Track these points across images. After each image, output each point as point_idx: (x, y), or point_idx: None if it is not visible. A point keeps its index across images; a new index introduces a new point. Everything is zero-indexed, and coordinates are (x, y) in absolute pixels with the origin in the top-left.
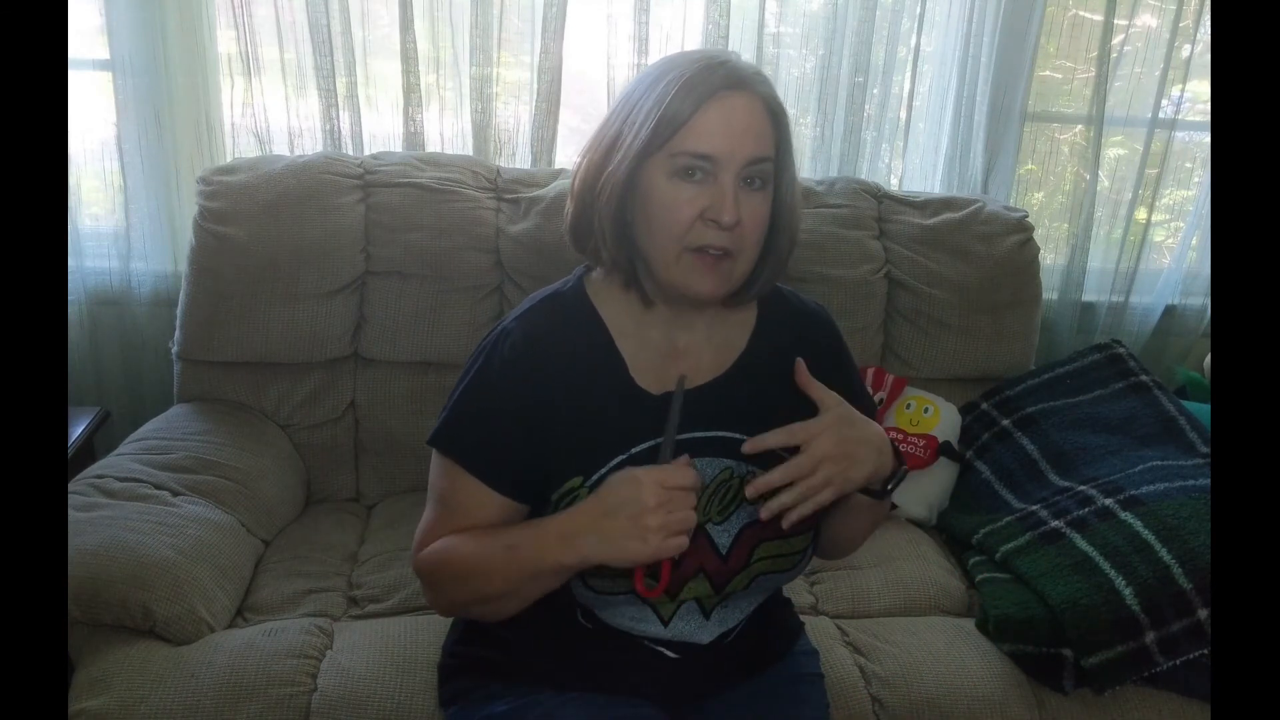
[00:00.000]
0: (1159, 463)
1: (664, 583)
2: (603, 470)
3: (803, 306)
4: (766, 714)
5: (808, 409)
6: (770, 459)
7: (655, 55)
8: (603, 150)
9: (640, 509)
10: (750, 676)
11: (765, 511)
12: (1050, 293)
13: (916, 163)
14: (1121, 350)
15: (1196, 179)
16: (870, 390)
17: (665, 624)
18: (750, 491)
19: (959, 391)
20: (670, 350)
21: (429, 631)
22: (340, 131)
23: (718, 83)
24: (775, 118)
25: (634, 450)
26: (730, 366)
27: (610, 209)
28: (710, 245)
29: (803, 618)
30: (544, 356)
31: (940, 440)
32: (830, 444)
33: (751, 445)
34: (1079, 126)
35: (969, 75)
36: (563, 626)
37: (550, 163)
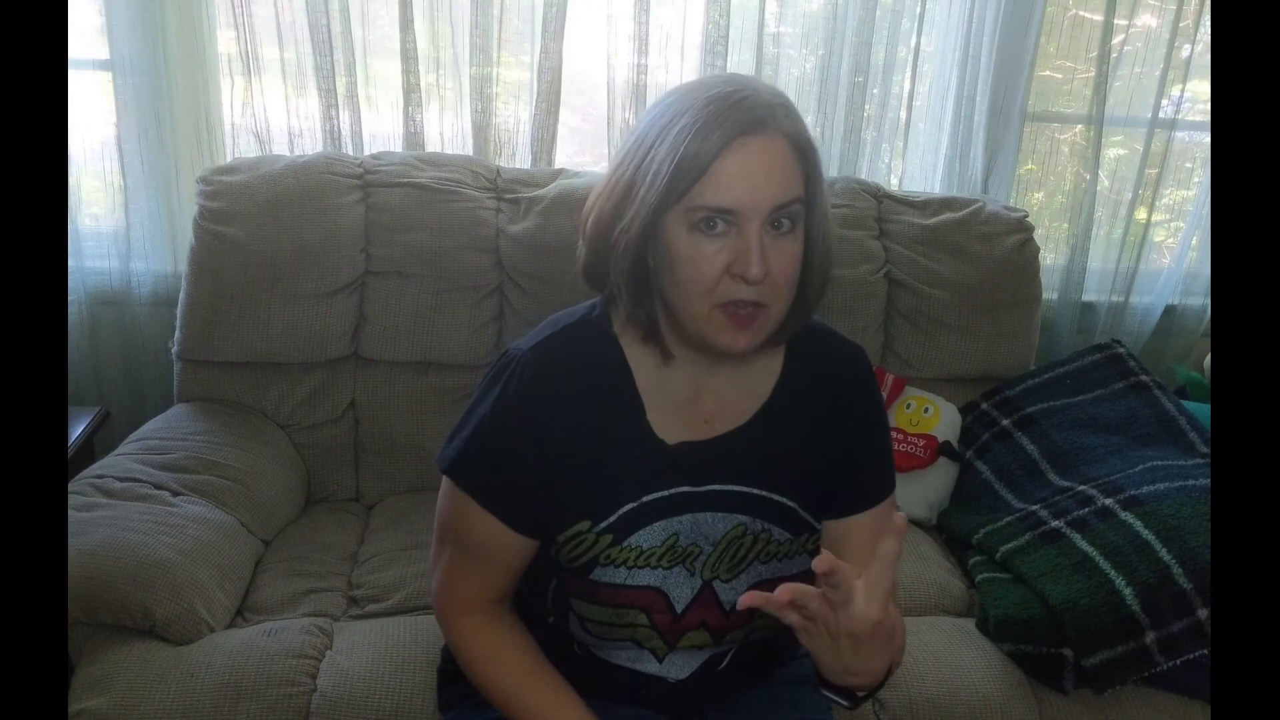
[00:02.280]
0: (1159, 462)
1: None
2: (612, 518)
3: (833, 349)
4: (767, 716)
5: (830, 462)
6: (791, 520)
7: (655, 55)
8: (616, 197)
9: None
10: (752, 684)
11: (747, 600)
12: (1050, 292)
13: (916, 163)
14: (1121, 350)
15: (1196, 179)
16: None
17: (660, 661)
18: (781, 595)
19: (959, 391)
20: (693, 396)
21: (429, 631)
22: (340, 131)
23: (736, 127)
24: (802, 153)
25: (645, 499)
26: (753, 415)
27: (627, 263)
28: (739, 300)
29: None
30: (560, 392)
31: (940, 440)
32: (862, 625)
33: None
34: (1079, 126)
35: (969, 75)
36: (560, 652)
37: (550, 163)
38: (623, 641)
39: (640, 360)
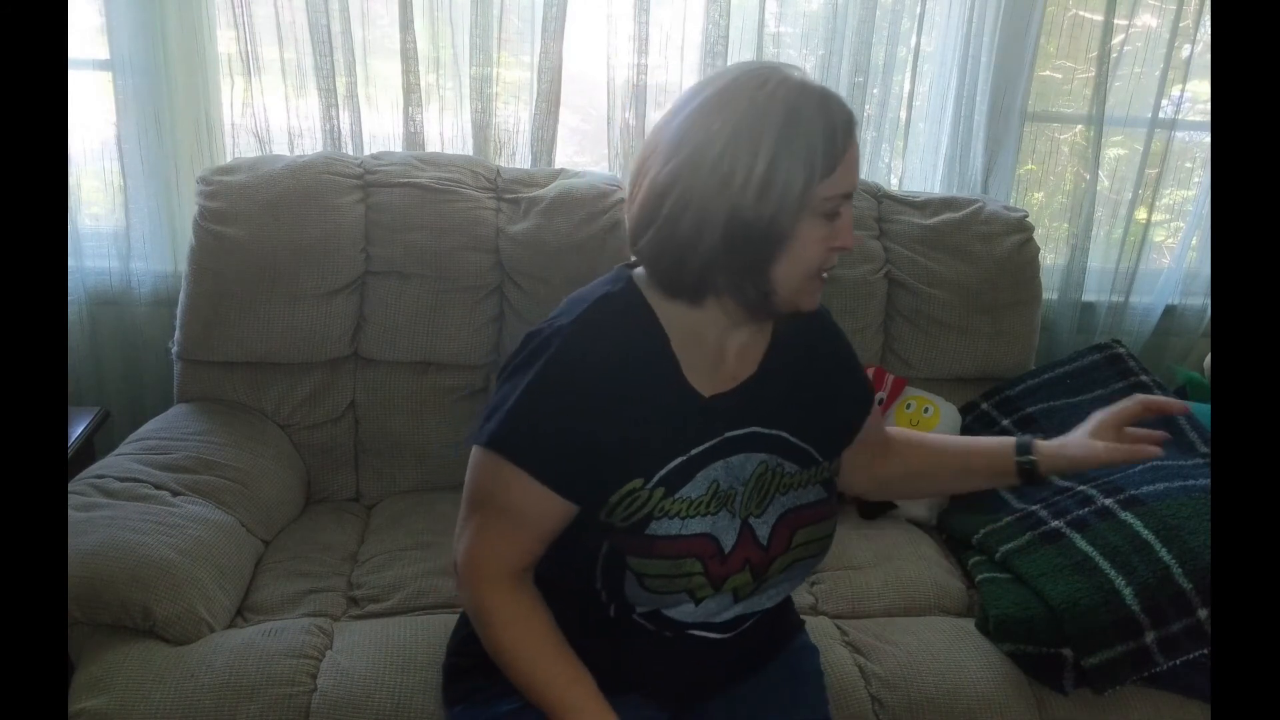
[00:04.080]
0: (1159, 462)
1: None
2: (663, 471)
3: None
4: (766, 713)
5: (819, 399)
6: (799, 454)
7: (655, 55)
8: (710, 189)
9: None
10: (753, 672)
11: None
12: (1050, 292)
13: (916, 162)
14: (1121, 350)
15: (1196, 179)
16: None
17: (696, 604)
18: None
19: (959, 391)
20: (717, 354)
21: (428, 631)
22: (340, 131)
23: (849, 126)
24: None
25: (693, 452)
26: (758, 366)
27: (750, 250)
28: (831, 267)
29: (803, 617)
30: (603, 359)
31: None
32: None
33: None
34: (1079, 126)
35: (969, 75)
36: (581, 616)
37: (550, 163)
38: (677, 594)
39: (673, 321)
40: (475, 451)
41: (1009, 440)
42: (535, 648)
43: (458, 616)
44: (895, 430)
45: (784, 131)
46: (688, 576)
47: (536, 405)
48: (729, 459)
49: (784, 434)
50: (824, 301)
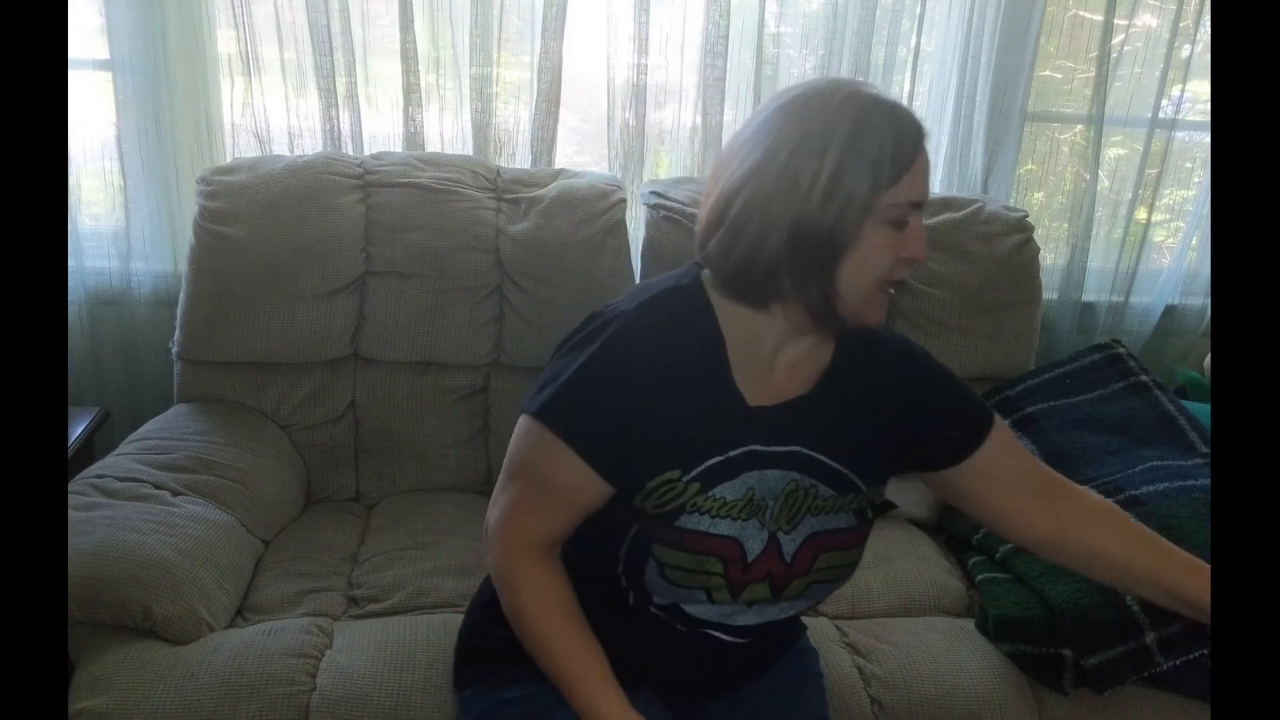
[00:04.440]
0: (1159, 463)
1: None
2: (700, 468)
3: (879, 333)
4: (768, 714)
5: (873, 431)
6: (837, 479)
7: (655, 55)
8: (779, 192)
9: None
10: (755, 675)
11: None
12: (1050, 292)
13: None
14: (1121, 350)
15: (1196, 179)
16: None
17: (713, 603)
18: None
19: None
20: (770, 366)
21: (428, 631)
22: (340, 131)
23: (919, 135)
24: None
25: (732, 453)
26: (813, 386)
27: (817, 256)
28: (899, 280)
29: (803, 618)
30: (657, 350)
31: None
32: None
33: None
34: (1079, 126)
35: (969, 75)
36: (600, 601)
37: (550, 163)
38: (694, 589)
39: (729, 325)
40: (523, 420)
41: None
42: (557, 620)
43: (469, 603)
44: (1091, 496)
45: (852, 137)
46: (707, 575)
47: (589, 383)
48: (764, 471)
49: (823, 458)
50: None
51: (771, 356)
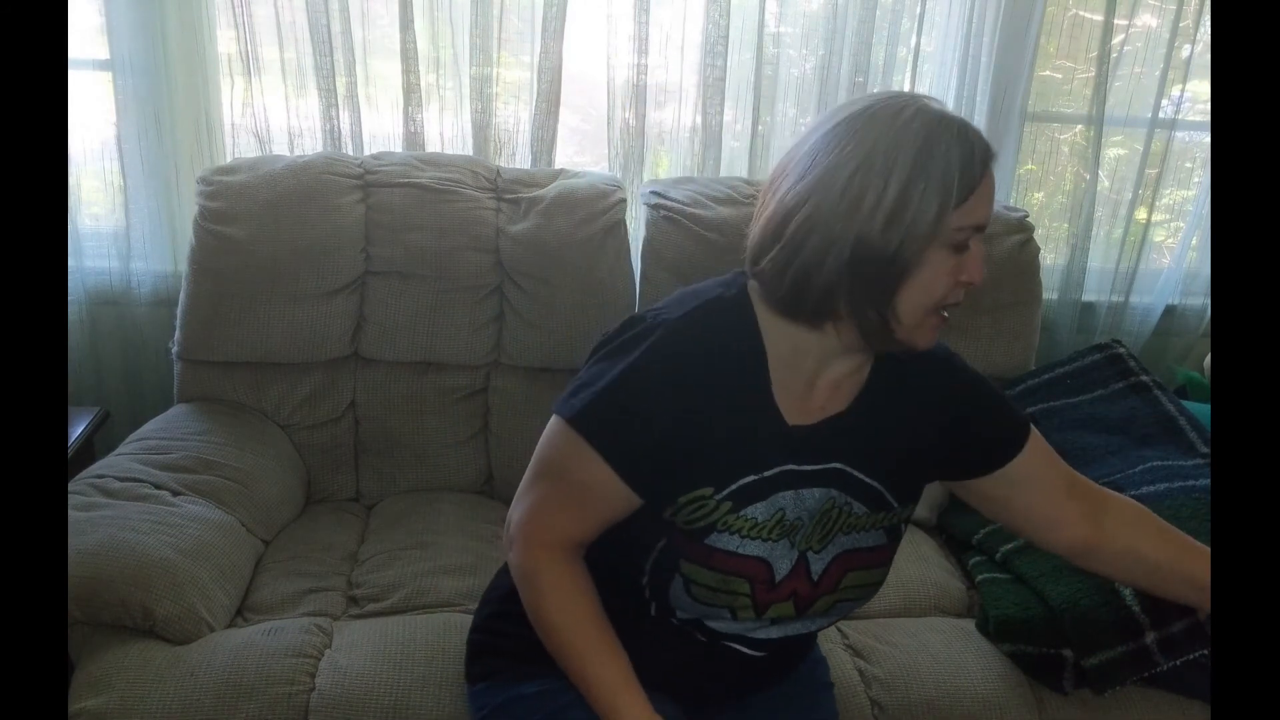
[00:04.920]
0: (1159, 463)
1: None
2: (733, 486)
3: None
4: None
5: (911, 449)
6: (872, 497)
7: (655, 55)
8: (880, 219)
9: None
10: (770, 685)
11: None
12: (1050, 293)
13: None
14: (1121, 350)
15: (1196, 179)
16: None
17: (736, 619)
18: None
19: None
20: (812, 383)
21: (428, 631)
22: (340, 131)
23: (988, 156)
24: None
25: (766, 473)
26: (851, 402)
27: (879, 278)
28: (955, 304)
29: None
30: (700, 362)
31: None
32: None
33: None
34: (1079, 126)
35: (969, 75)
36: (621, 608)
37: (550, 163)
38: (719, 608)
39: (773, 339)
40: (555, 422)
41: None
42: (579, 619)
43: (481, 596)
44: (1119, 497)
45: (919, 158)
46: (733, 594)
47: (627, 393)
48: (800, 490)
49: (861, 475)
50: None
51: (814, 374)
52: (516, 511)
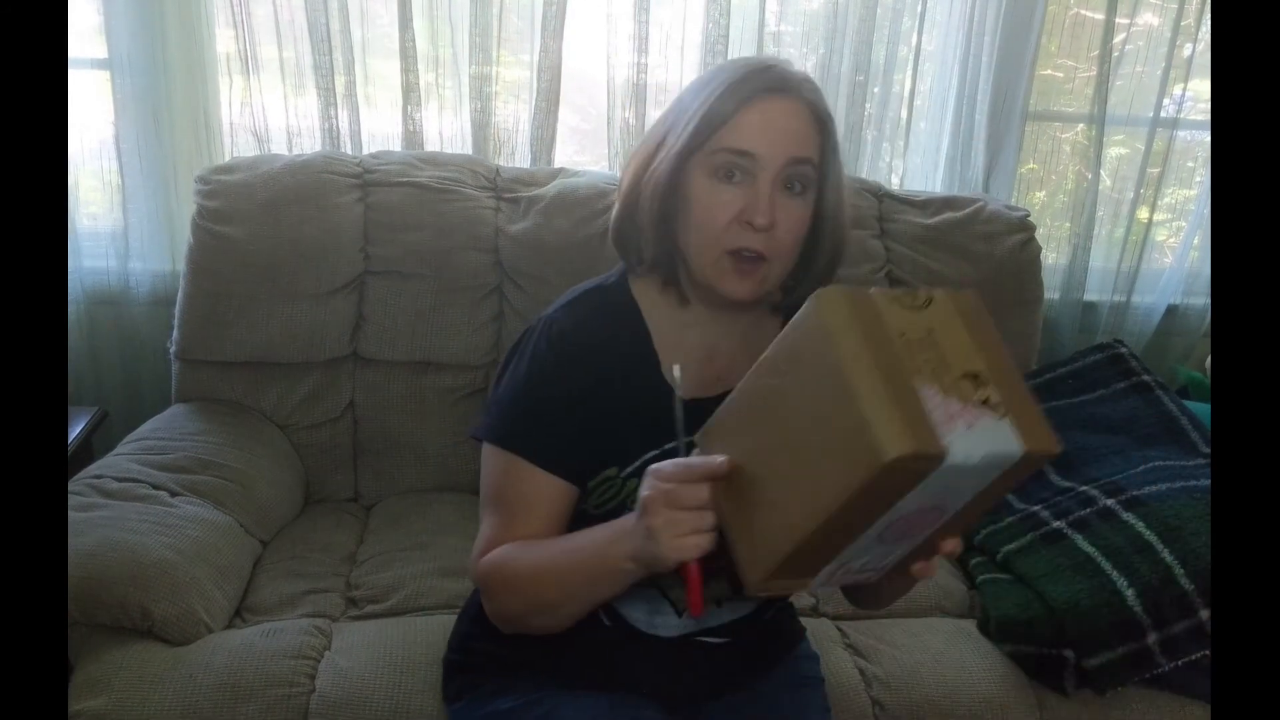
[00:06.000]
0: (1161, 463)
1: (693, 597)
2: (636, 463)
3: None
4: (768, 718)
5: None
6: None
7: (655, 55)
8: (648, 152)
9: (643, 507)
10: (753, 678)
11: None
12: (1052, 292)
13: (917, 162)
14: (1123, 350)
15: (1198, 178)
16: None
17: (679, 615)
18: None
19: None
20: (705, 358)
21: (427, 632)
22: (339, 130)
23: (763, 84)
24: (821, 124)
25: (666, 446)
26: None
27: (654, 206)
28: (745, 248)
29: (803, 620)
30: (588, 347)
31: None
32: None
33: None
34: (1080, 125)
35: (970, 74)
36: (585, 629)
37: (550, 162)
38: (648, 589)
39: (657, 320)
40: (483, 448)
41: None
42: (545, 546)
43: (458, 614)
44: None
45: (698, 83)
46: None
47: (526, 393)
48: None
49: None
50: None
51: (704, 346)
52: (475, 549)
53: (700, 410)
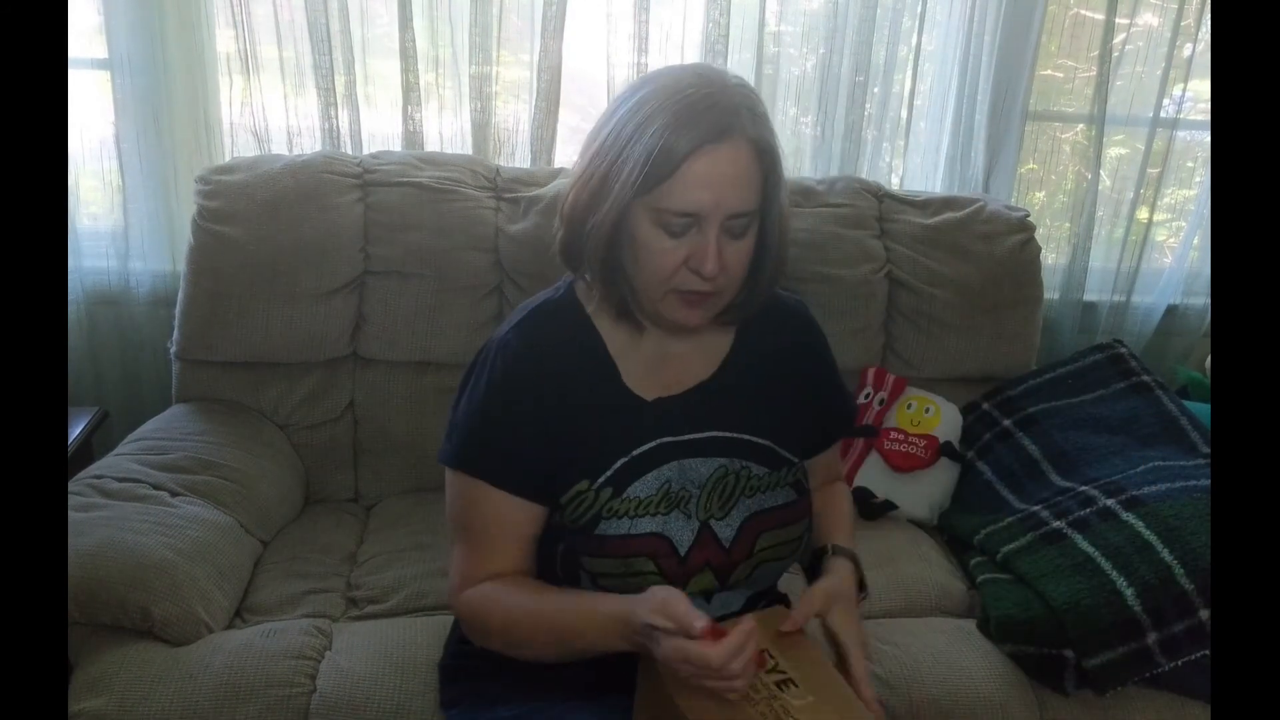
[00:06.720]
0: (1161, 463)
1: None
2: (608, 472)
3: (780, 302)
4: None
5: (793, 402)
6: (766, 456)
7: (655, 54)
8: (592, 188)
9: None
10: None
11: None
12: (1051, 292)
13: (917, 162)
14: (1123, 350)
15: (1198, 178)
16: (872, 390)
17: None
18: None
19: (960, 391)
20: (659, 362)
21: (428, 632)
22: (339, 130)
23: (704, 133)
24: (763, 158)
25: (635, 452)
26: (717, 368)
27: (601, 248)
28: (693, 290)
29: None
30: (543, 364)
31: (941, 440)
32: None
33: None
34: (1080, 126)
35: (970, 74)
36: None
37: (550, 162)
38: (634, 593)
39: (609, 330)
40: (446, 474)
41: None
42: (532, 592)
43: (451, 624)
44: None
45: (636, 106)
46: (640, 575)
47: (484, 416)
48: (683, 461)
49: (747, 436)
50: (826, 300)
51: (658, 355)
52: (450, 580)
53: (668, 409)
